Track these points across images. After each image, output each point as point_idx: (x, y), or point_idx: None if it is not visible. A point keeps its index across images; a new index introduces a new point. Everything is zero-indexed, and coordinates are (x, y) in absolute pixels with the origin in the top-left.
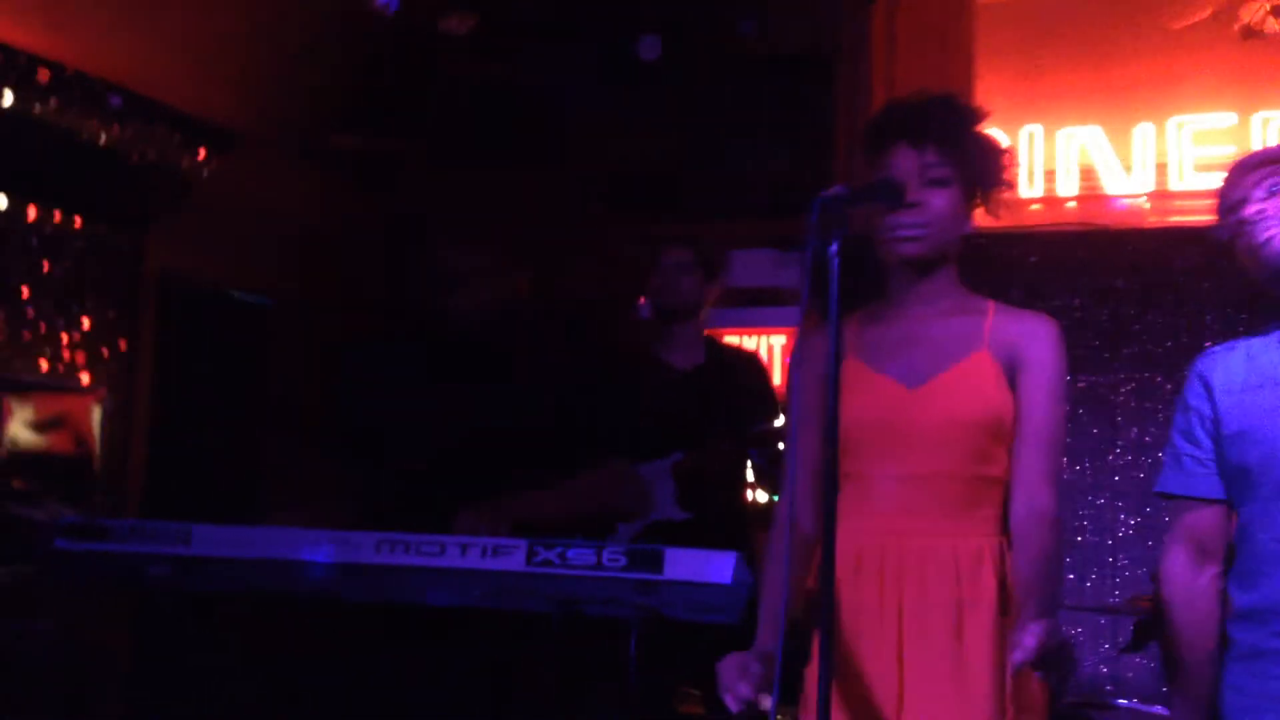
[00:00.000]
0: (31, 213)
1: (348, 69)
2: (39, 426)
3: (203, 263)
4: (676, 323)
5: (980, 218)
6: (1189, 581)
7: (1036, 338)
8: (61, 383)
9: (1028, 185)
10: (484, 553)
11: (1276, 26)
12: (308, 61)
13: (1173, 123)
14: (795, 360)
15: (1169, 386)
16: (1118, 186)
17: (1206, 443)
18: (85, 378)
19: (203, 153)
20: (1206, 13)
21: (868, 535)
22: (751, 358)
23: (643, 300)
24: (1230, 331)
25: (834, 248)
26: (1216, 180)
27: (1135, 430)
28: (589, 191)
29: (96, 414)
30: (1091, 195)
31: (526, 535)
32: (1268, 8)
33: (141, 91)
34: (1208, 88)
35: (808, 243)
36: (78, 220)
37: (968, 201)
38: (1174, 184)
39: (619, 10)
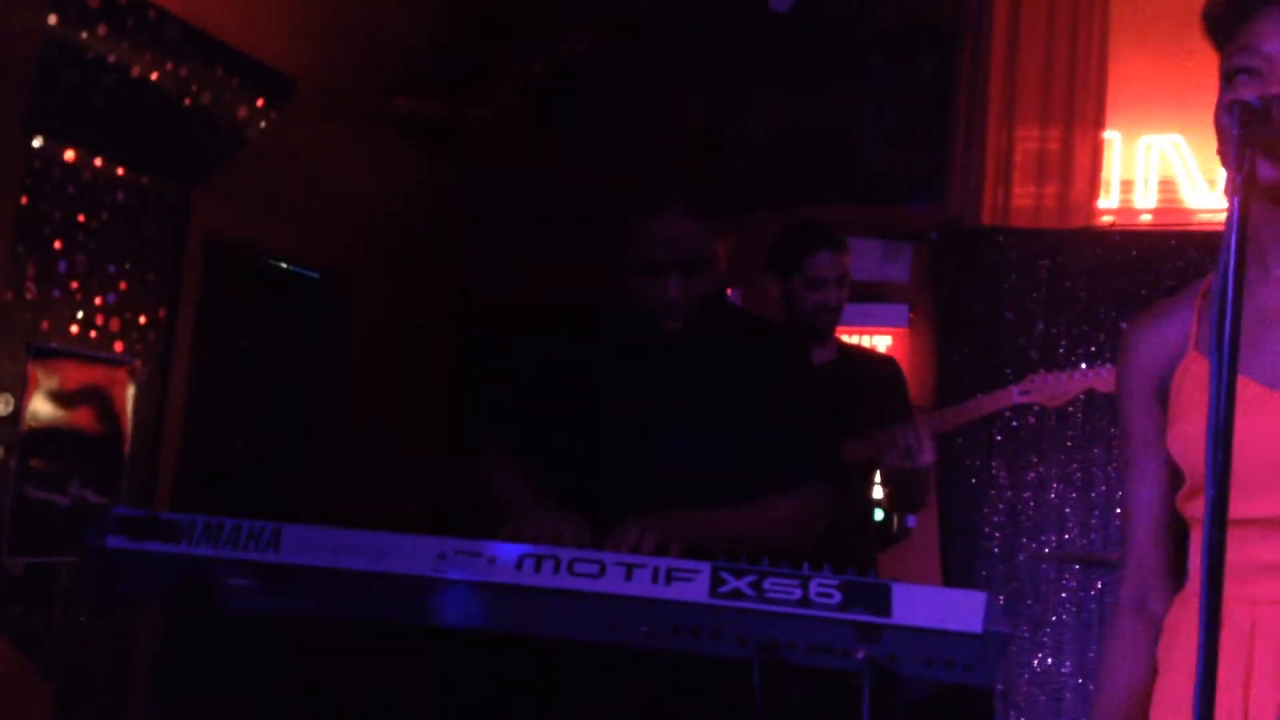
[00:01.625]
0: (69, 155)
1: (427, 26)
2: (64, 399)
3: (253, 226)
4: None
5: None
6: None
7: None
8: (92, 351)
9: (1104, 195)
10: (655, 577)
11: None
12: (384, 13)
13: None
14: (1124, 355)
15: None
16: (1199, 200)
17: None
18: (118, 346)
19: (261, 101)
20: None
21: (1239, 610)
22: (889, 361)
23: (730, 290)
24: None
25: (1239, 179)
26: None
27: None
28: (678, 172)
29: (129, 388)
30: (1172, 207)
31: (702, 557)
32: None
33: (199, 26)
34: None
35: (1235, 169)
36: (120, 169)
37: None
38: None
39: None
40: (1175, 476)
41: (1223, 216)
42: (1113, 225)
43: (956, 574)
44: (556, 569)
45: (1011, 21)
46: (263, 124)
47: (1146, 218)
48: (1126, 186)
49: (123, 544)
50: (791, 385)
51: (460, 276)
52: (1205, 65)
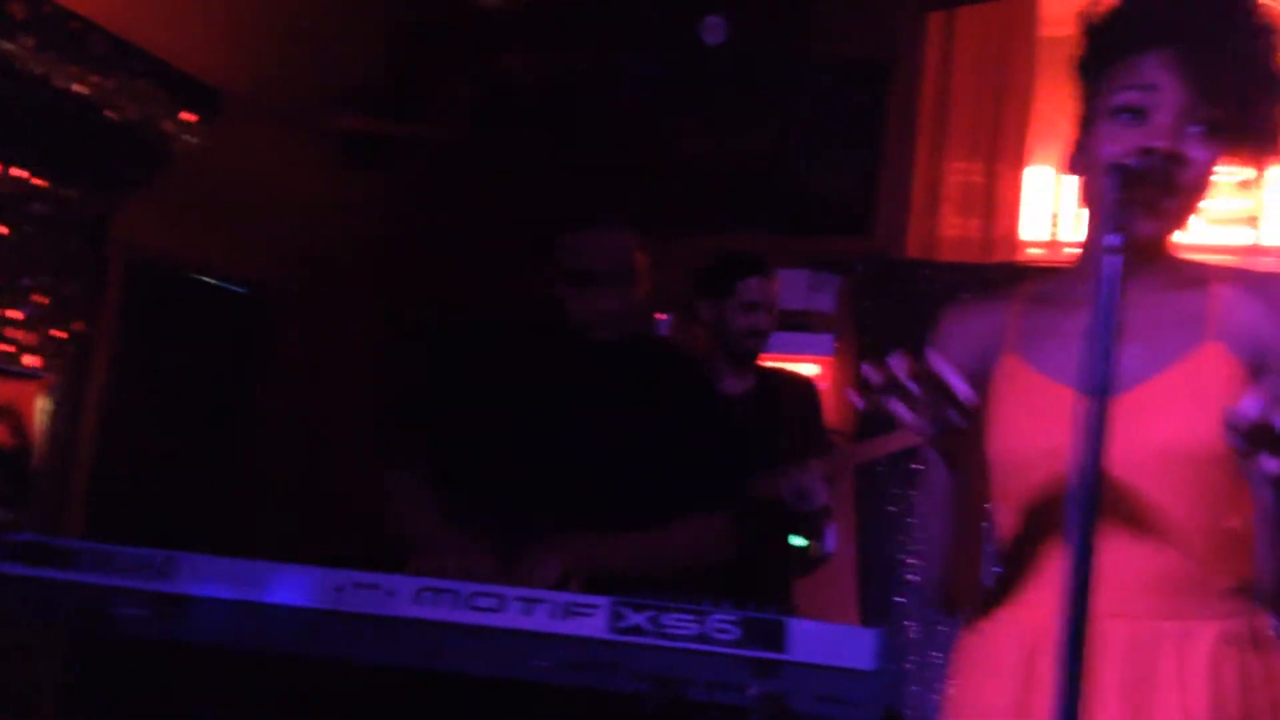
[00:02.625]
0: None
1: (364, 41)
2: None
3: (180, 241)
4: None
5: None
6: None
7: None
8: (4, 365)
9: (1032, 228)
10: (554, 612)
11: None
12: (319, 29)
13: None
14: (938, 344)
15: None
16: None
17: None
18: (32, 360)
19: (189, 115)
20: None
21: (1047, 620)
22: (806, 383)
23: (662, 315)
24: None
25: (1115, 239)
26: (1228, 234)
27: None
28: (613, 196)
29: (41, 403)
30: None
31: (604, 589)
32: None
33: (127, 38)
34: None
35: (1113, 229)
36: (40, 180)
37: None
38: (1184, 237)
39: (666, 5)
40: (981, 464)
41: None
42: (1036, 260)
43: (874, 601)
44: (456, 603)
45: (944, 56)
46: (191, 138)
47: (1073, 251)
48: (1054, 220)
49: (14, 570)
50: (701, 415)
51: (397, 293)
52: None
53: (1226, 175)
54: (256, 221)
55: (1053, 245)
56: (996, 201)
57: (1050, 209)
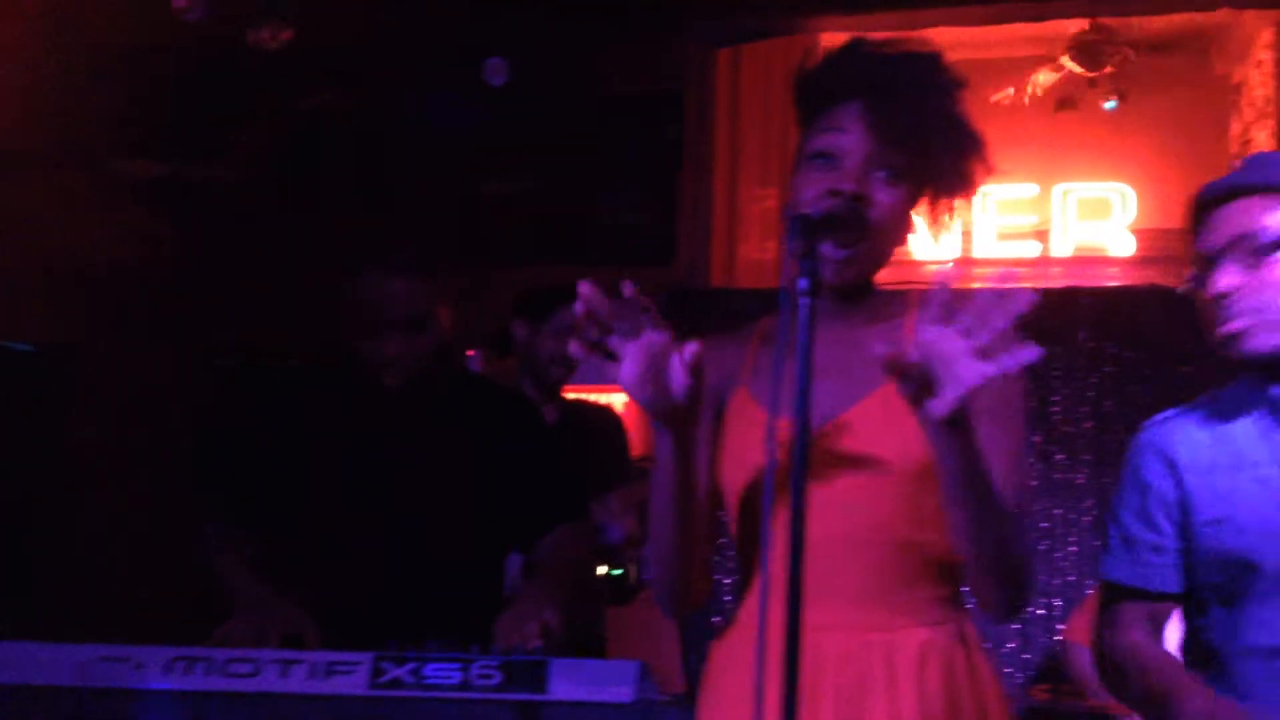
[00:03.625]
0: None
1: (148, 85)
2: None
3: None
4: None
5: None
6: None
7: None
8: None
9: None
10: (313, 671)
11: (1097, 100)
12: (102, 76)
13: (978, 192)
14: None
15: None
16: (925, 252)
17: (1168, 528)
18: None
19: None
20: (1019, 86)
21: (770, 631)
22: (609, 413)
23: (471, 352)
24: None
25: (804, 283)
26: (1018, 248)
27: None
28: (414, 230)
29: None
30: (901, 260)
31: None
32: (1087, 80)
33: None
34: (1013, 159)
35: (789, 275)
36: None
37: (914, 203)
38: (978, 251)
39: (462, 41)
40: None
41: (948, 265)
42: None
43: (694, 625)
44: (209, 670)
45: (733, 89)
46: None
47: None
48: None
49: None
50: (533, 438)
51: (198, 341)
52: None
53: (1012, 192)
54: (43, 275)
55: None
56: None
57: None
